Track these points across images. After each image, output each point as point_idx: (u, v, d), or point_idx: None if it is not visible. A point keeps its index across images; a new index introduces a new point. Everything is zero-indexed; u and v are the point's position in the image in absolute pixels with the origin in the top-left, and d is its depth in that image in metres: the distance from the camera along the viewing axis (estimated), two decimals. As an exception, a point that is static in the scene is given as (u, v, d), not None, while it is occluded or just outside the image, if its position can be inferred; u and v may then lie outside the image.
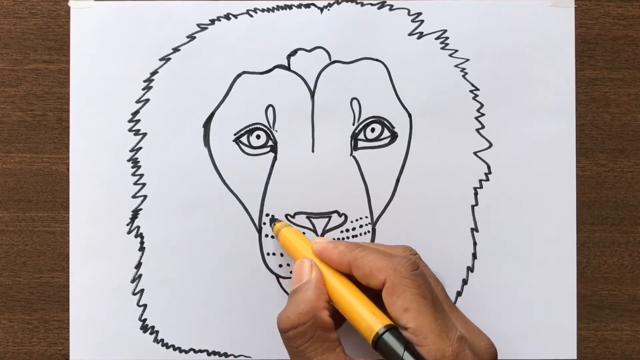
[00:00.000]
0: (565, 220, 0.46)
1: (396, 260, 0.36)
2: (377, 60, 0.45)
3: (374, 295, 0.36)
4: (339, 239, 0.45)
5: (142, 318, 0.45)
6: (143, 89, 0.45)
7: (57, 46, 0.46)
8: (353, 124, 0.45)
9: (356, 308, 0.36)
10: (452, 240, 0.45)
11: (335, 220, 0.45)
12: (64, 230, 0.46)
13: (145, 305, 0.45)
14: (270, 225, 0.45)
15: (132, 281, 0.45)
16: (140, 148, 0.45)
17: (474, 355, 0.35)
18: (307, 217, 0.45)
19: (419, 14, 0.46)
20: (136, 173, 0.45)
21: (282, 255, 0.45)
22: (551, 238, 0.45)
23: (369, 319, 0.35)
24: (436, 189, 0.45)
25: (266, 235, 0.45)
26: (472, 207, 0.45)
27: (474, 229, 0.45)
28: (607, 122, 0.46)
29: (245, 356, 0.45)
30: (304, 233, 0.44)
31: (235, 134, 0.45)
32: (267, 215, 0.45)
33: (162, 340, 0.45)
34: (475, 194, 0.45)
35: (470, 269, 0.45)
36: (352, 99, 0.45)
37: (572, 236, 0.46)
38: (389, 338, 0.34)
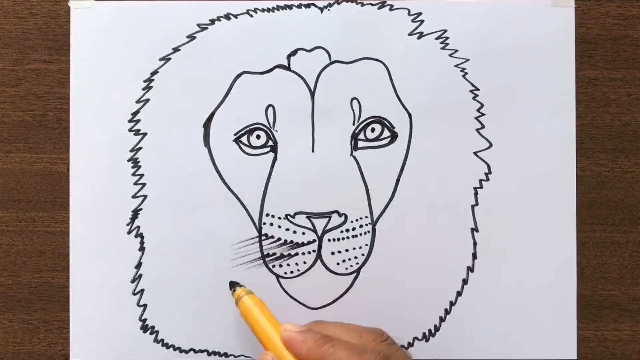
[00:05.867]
0: (565, 220, 0.46)
1: (365, 358, 0.36)
2: (377, 60, 0.45)
3: None
4: (339, 239, 0.45)
5: (142, 318, 0.45)
6: (143, 89, 0.45)
7: (57, 46, 0.46)
8: (353, 124, 0.45)
9: None
10: (452, 240, 0.45)
11: (335, 220, 0.45)
12: (64, 230, 0.46)
13: (145, 305, 0.45)
14: (231, 289, 0.42)
15: (132, 281, 0.45)
16: (140, 148, 0.45)
17: None
18: (307, 217, 0.44)
19: (419, 14, 0.46)
20: (136, 173, 0.45)
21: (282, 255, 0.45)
22: (551, 238, 0.45)
23: None
24: (436, 189, 0.45)
25: (266, 235, 0.45)
26: (472, 207, 0.45)
27: (474, 229, 0.45)
28: (607, 122, 0.46)
29: (245, 356, 0.45)
30: (303, 233, 0.45)
31: (235, 134, 0.45)
32: (267, 215, 0.45)
33: (162, 340, 0.45)
34: (475, 194, 0.45)
35: (470, 269, 0.45)
36: (352, 99, 0.45)
37: (572, 236, 0.46)
38: None
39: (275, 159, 0.45)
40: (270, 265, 0.45)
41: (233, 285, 0.42)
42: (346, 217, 0.45)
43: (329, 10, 0.46)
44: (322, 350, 0.37)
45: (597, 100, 0.46)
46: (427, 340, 0.45)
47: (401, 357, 0.38)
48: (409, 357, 0.39)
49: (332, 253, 0.45)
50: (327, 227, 0.44)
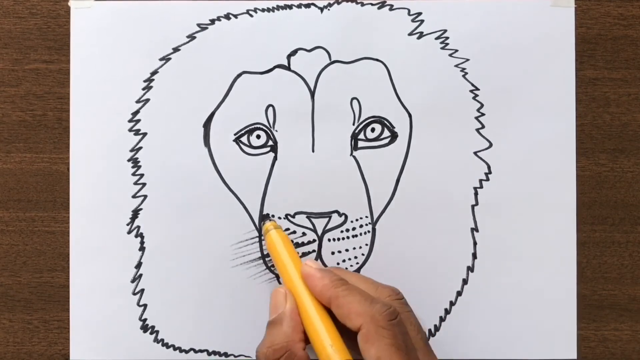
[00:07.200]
0: (565, 220, 0.46)
1: (375, 307, 0.35)
2: (377, 60, 0.45)
3: (354, 333, 0.36)
4: (339, 239, 0.45)
5: (142, 318, 0.45)
6: (143, 89, 0.45)
7: (57, 46, 0.46)
8: (353, 124, 0.45)
9: (322, 340, 0.36)
10: (452, 240, 0.45)
11: (336, 220, 0.45)
12: (64, 230, 0.46)
13: (145, 305, 0.45)
14: (260, 223, 0.44)
15: (132, 281, 0.45)
16: (140, 148, 0.45)
17: None
18: (307, 217, 0.45)
19: (419, 13, 0.46)
20: (136, 173, 0.45)
21: (282, 255, 0.45)
22: (551, 238, 0.45)
23: (329, 352, 0.35)
24: (436, 189, 0.45)
25: (266, 235, 0.45)
26: (472, 207, 0.45)
27: (474, 229, 0.45)
28: (607, 122, 0.46)
29: (245, 356, 0.45)
30: (304, 234, 0.44)
31: (235, 134, 0.45)
32: (267, 215, 0.45)
33: (162, 340, 0.45)
34: (475, 194, 0.45)
35: (470, 269, 0.45)
36: (352, 98, 0.45)
37: (572, 236, 0.46)
38: None
39: (275, 159, 0.45)
40: (270, 265, 0.45)
41: (263, 218, 0.44)
42: (346, 217, 0.45)
43: (329, 10, 0.46)
44: (337, 290, 0.37)
45: (597, 100, 0.46)
46: (427, 340, 0.45)
47: (411, 318, 0.38)
48: (418, 322, 0.38)
49: (332, 253, 0.45)
50: (327, 227, 0.44)
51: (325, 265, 0.45)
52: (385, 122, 0.45)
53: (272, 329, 0.37)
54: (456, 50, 0.45)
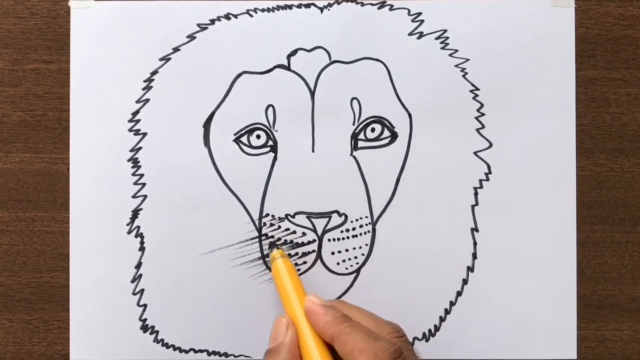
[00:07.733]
0: (565, 220, 0.46)
1: (379, 345, 0.35)
2: (377, 60, 0.45)
3: None
4: (339, 239, 0.45)
5: (142, 318, 0.45)
6: (143, 89, 0.45)
7: (57, 46, 0.46)
8: (353, 124, 0.45)
9: None
10: (452, 240, 0.45)
11: (335, 220, 0.45)
12: (64, 230, 0.46)
13: (145, 305, 0.45)
14: (269, 249, 0.44)
15: (132, 281, 0.45)
16: (140, 148, 0.45)
17: None
18: (307, 217, 0.44)
19: (419, 14, 0.46)
20: (136, 173, 0.45)
21: (282, 255, 0.45)
22: (551, 238, 0.45)
23: None
24: (436, 189, 0.45)
25: (266, 236, 0.45)
26: (472, 207, 0.45)
27: (474, 229, 0.45)
28: (607, 122, 0.46)
29: (245, 356, 0.45)
30: (303, 233, 0.45)
31: (235, 134, 0.45)
32: (267, 215, 0.45)
33: (162, 340, 0.45)
34: (475, 194, 0.45)
35: (470, 269, 0.45)
36: (352, 98, 0.45)
37: (572, 236, 0.46)
38: None
39: (275, 159, 0.45)
40: (270, 265, 0.45)
41: (272, 246, 0.44)
42: (346, 217, 0.45)
43: (329, 10, 0.46)
44: (340, 327, 0.36)
45: (597, 100, 0.46)
46: (427, 340, 0.45)
47: (412, 356, 0.37)
48: (418, 359, 0.38)
49: (332, 253, 0.45)
50: (327, 227, 0.44)
51: (326, 268, 0.45)
52: (385, 122, 0.45)
53: (269, 358, 0.37)
54: (456, 50, 0.45)
